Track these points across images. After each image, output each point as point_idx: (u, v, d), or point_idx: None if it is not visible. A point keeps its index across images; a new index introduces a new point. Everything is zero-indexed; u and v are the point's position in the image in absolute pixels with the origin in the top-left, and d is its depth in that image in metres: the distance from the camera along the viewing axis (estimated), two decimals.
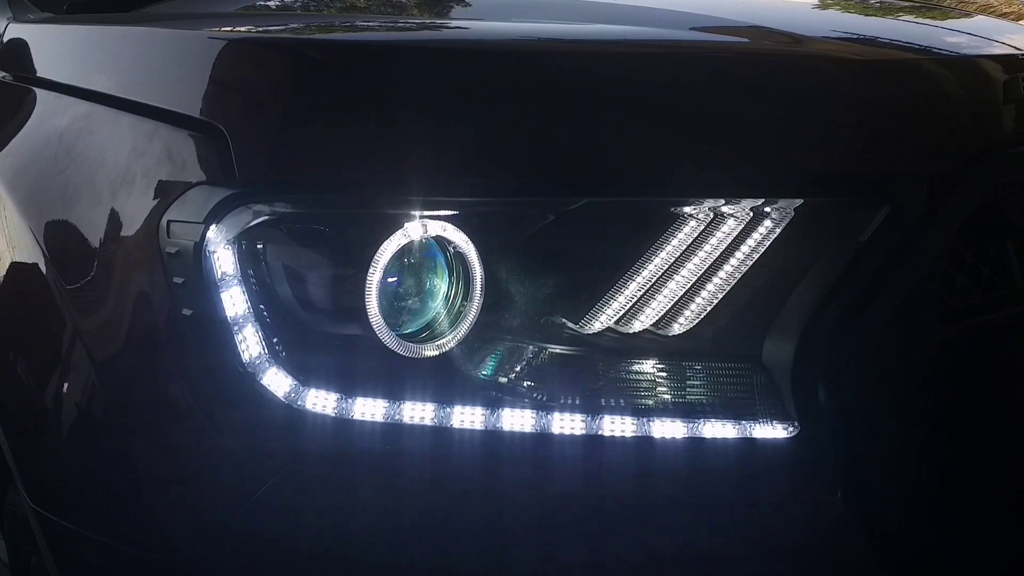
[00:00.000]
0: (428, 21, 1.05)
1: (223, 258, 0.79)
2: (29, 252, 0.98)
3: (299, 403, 0.77)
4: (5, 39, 1.43)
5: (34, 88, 1.22)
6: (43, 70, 1.24)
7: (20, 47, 1.36)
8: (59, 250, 0.94)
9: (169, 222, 0.82)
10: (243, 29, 0.95)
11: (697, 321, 0.82)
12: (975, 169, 0.81)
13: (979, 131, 0.85)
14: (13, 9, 1.49)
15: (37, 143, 1.09)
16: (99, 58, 1.13)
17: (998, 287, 0.85)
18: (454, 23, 1.05)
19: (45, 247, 0.95)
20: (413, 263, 0.81)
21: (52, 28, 1.34)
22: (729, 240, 0.81)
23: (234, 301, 0.79)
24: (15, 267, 1.01)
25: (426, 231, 0.78)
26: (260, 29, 0.94)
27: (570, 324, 0.83)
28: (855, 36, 1.01)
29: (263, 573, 0.80)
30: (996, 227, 0.85)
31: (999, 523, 0.82)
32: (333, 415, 0.77)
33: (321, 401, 0.77)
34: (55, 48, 1.28)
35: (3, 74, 1.38)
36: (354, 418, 0.77)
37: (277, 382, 0.78)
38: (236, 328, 0.78)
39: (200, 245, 0.79)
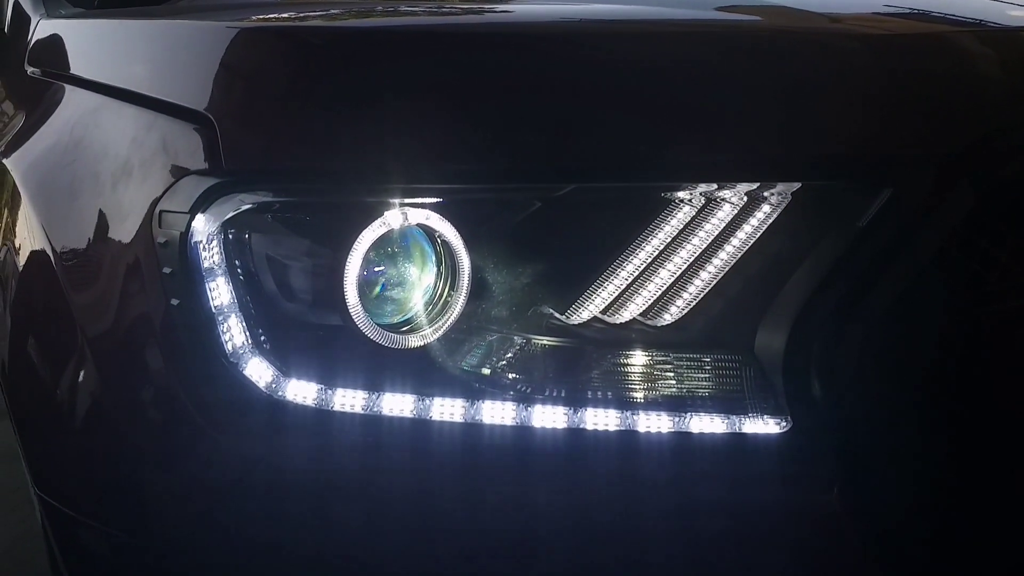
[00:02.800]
0: (414, 7, 1.04)
1: (208, 248, 0.79)
2: (39, 244, 1.00)
3: (280, 393, 0.77)
4: (36, 35, 1.47)
5: (56, 82, 1.24)
6: (65, 65, 1.27)
7: (49, 43, 1.40)
8: (63, 241, 0.96)
9: (161, 212, 0.82)
10: (241, 20, 0.94)
11: (687, 311, 0.79)
12: (986, 151, 0.76)
13: (990, 110, 0.79)
14: (46, 5, 1.53)
15: (51, 137, 1.11)
16: (112, 52, 1.15)
17: (1008, 278, 0.79)
18: (440, 8, 1.03)
19: (51, 239, 0.97)
20: (398, 252, 0.80)
21: (78, 23, 1.37)
22: (722, 227, 0.78)
23: (219, 291, 0.79)
24: (28, 260, 1.03)
25: (407, 219, 0.76)
26: (254, 19, 0.94)
27: (557, 314, 0.80)
28: (858, 9, 0.96)
29: (247, 562, 0.80)
30: (1007, 214, 0.79)
31: (1000, 521, 0.77)
32: (314, 406, 0.76)
33: (303, 391, 0.77)
34: (78, 43, 1.30)
35: (33, 69, 1.42)
36: (335, 409, 0.76)
37: (259, 372, 0.77)
38: (220, 318, 0.78)
39: (186, 235, 0.79)
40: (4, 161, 1.18)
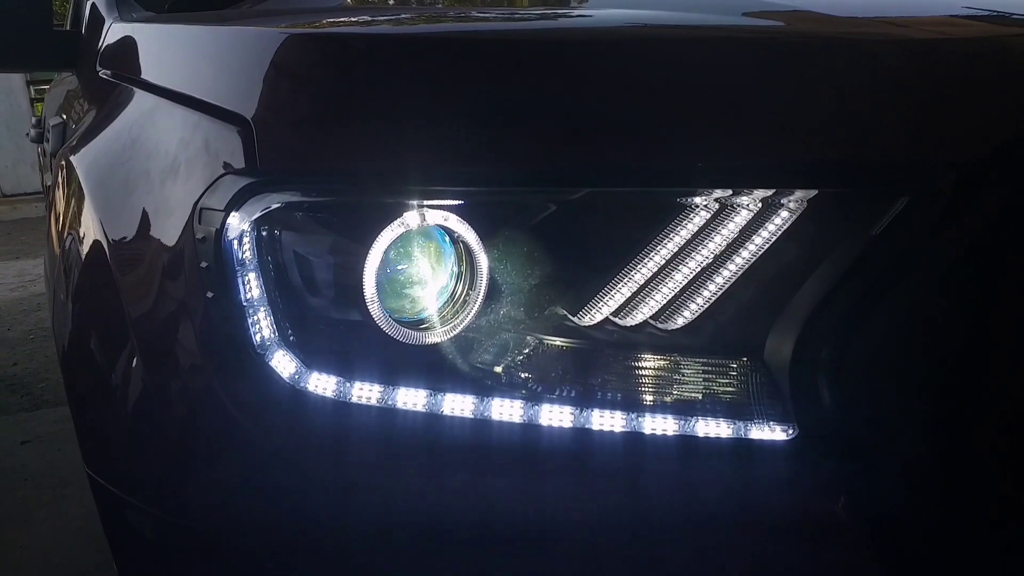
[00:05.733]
0: (440, 15, 1.06)
1: (241, 244, 0.83)
2: (97, 237, 1.06)
3: (302, 384, 0.80)
4: (108, 38, 1.55)
5: (122, 84, 1.31)
6: (130, 67, 1.34)
7: (118, 45, 1.47)
8: (116, 235, 1.01)
9: (201, 209, 0.87)
10: (276, 27, 0.98)
11: (699, 316, 0.79)
12: (1008, 160, 0.74)
13: (1013, 117, 0.76)
14: (119, 8, 1.60)
15: (112, 136, 1.18)
16: (170, 56, 1.21)
17: None
18: (463, 15, 1.05)
19: (107, 232, 1.03)
20: (418, 252, 0.83)
21: (145, 27, 1.43)
22: (736, 233, 0.78)
23: (249, 285, 0.83)
24: (88, 252, 1.10)
25: (425, 220, 0.79)
26: (287, 27, 0.97)
27: (570, 316, 0.82)
28: (879, 13, 0.94)
29: (267, 543, 0.83)
30: None
31: (1007, 528, 0.76)
32: (333, 398, 0.80)
33: (323, 384, 0.80)
34: (143, 47, 1.36)
35: (104, 71, 1.49)
36: (353, 401, 0.80)
37: (284, 364, 0.81)
38: (250, 311, 0.83)
39: (221, 231, 0.83)
40: (71, 158, 1.26)
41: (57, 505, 2.42)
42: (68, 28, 2.32)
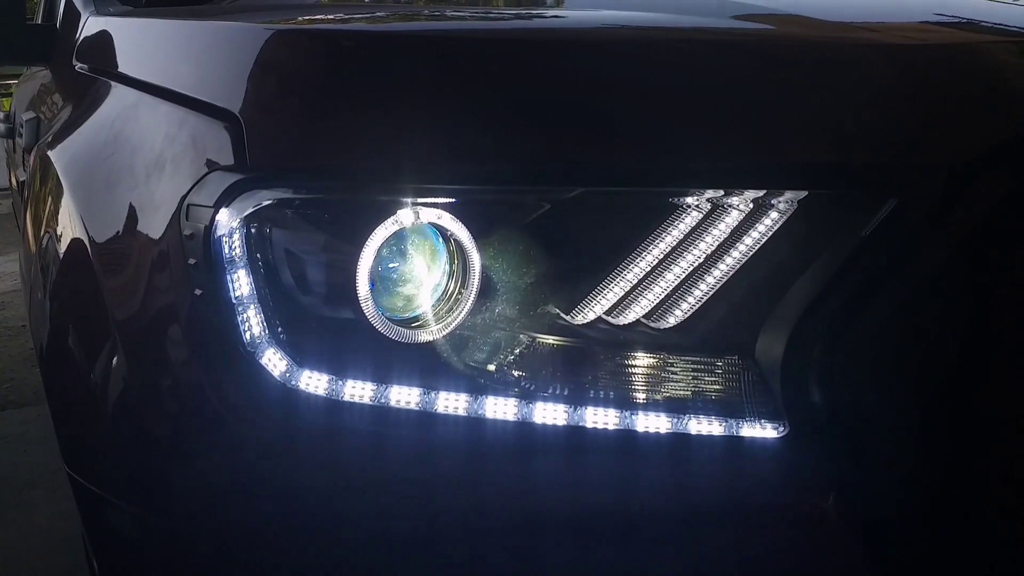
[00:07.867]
0: (434, 13, 1.06)
1: (230, 241, 0.82)
2: (77, 234, 1.04)
3: (293, 383, 0.80)
4: (85, 32, 1.53)
5: (100, 78, 1.30)
6: (109, 62, 1.32)
7: (95, 40, 1.45)
8: (98, 231, 1.00)
9: (189, 205, 0.86)
10: (266, 22, 0.97)
11: (690, 315, 0.80)
12: (997, 162, 0.76)
13: (1005, 118, 0.78)
14: (96, 3, 1.58)
15: (92, 131, 1.16)
16: (152, 51, 1.20)
17: (1016, 290, 0.79)
18: (458, 14, 1.05)
19: (88, 229, 1.01)
20: (411, 250, 0.82)
21: (123, 22, 1.42)
22: (727, 233, 0.79)
23: (239, 282, 0.82)
24: (67, 249, 1.08)
25: (418, 218, 0.79)
26: (279, 22, 0.97)
27: (563, 314, 0.82)
28: (869, 18, 0.95)
29: (256, 544, 0.83)
30: (1017, 226, 0.78)
31: (996, 528, 0.77)
32: (325, 396, 0.79)
33: (314, 382, 0.80)
34: (122, 41, 1.35)
35: (80, 65, 1.47)
36: (344, 399, 0.79)
37: (274, 362, 0.81)
38: (240, 309, 0.82)
39: (210, 228, 0.82)
40: (49, 153, 1.23)
41: (25, 507, 2.37)
42: (40, 22, 2.29)
